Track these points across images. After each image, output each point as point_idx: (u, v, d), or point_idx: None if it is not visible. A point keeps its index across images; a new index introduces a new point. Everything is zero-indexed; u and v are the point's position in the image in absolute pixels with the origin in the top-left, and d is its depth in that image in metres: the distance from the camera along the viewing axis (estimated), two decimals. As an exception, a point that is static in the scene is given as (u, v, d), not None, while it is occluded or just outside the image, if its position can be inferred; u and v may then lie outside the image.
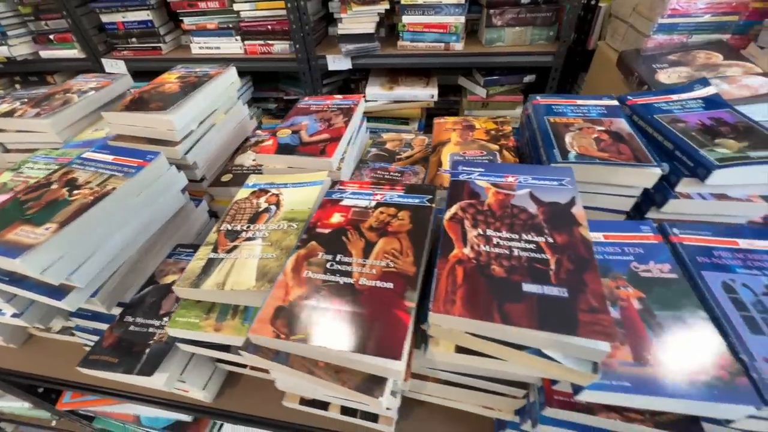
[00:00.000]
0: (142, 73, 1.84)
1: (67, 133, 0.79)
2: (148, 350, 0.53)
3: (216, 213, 0.83)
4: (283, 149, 0.68)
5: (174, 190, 0.66)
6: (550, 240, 0.39)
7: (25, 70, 2.06)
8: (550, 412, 0.40)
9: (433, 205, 0.47)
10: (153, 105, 0.70)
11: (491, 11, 1.60)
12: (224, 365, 0.61)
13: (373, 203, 0.48)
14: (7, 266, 0.48)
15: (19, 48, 1.94)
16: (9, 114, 0.77)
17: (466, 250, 0.39)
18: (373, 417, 0.49)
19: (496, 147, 0.66)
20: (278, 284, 0.40)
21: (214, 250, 0.51)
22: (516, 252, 0.38)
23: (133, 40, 1.90)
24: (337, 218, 0.47)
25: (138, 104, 0.71)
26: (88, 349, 0.71)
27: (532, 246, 0.38)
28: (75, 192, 0.55)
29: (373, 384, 0.35)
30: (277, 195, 0.60)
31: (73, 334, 0.72)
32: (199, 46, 1.89)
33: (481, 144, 0.68)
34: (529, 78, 1.79)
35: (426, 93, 1.80)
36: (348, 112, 0.76)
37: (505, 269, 0.36)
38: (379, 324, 0.34)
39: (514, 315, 0.33)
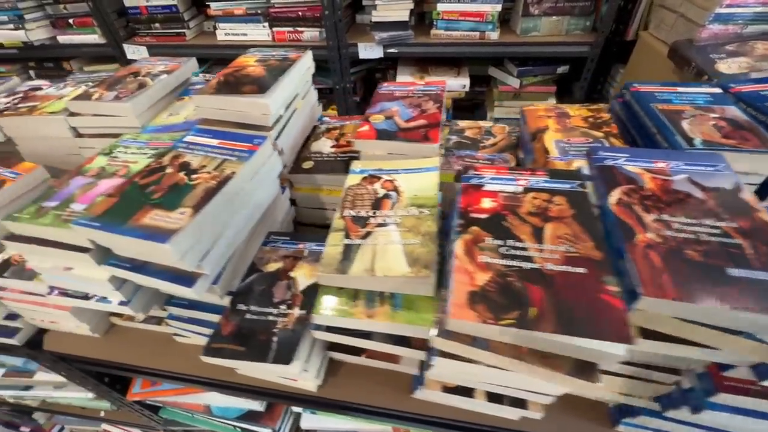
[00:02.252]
0: (165, 59, 1.79)
1: (145, 117, 0.76)
2: (275, 338, 0.52)
3: (294, 201, 0.81)
4: (383, 135, 0.67)
5: (273, 175, 0.64)
6: (734, 225, 0.38)
7: (42, 56, 1.98)
8: (722, 398, 0.40)
9: (586, 190, 0.46)
10: (246, 88, 0.67)
11: (529, 0, 1.58)
12: (337, 354, 0.60)
13: (521, 188, 0.48)
14: (145, 251, 0.47)
15: (37, 32, 1.86)
16: (85, 97, 0.74)
17: (650, 235, 0.38)
18: (522, 404, 0.49)
19: (601, 134, 0.66)
20: (457, 269, 0.39)
21: (347, 237, 0.50)
22: (704, 237, 0.38)
23: (156, 25, 1.84)
24: (488, 203, 0.46)
25: (228, 87, 0.69)
26: (178, 338, 0.70)
27: (717, 231, 0.38)
28: (193, 176, 0.53)
29: (583, 369, 0.35)
30: (391, 181, 0.58)
31: (159, 323, 0.70)
32: (225, 33, 1.83)
33: (583, 131, 0.67)
34: (562, 69, 1.78)
35: (457, 83, 1.79)
36: (437, 98, 0.75)
37: (699, 254, 0.36)
38: (589, 308, 0.34)
39: (733, 298, 0.32)
